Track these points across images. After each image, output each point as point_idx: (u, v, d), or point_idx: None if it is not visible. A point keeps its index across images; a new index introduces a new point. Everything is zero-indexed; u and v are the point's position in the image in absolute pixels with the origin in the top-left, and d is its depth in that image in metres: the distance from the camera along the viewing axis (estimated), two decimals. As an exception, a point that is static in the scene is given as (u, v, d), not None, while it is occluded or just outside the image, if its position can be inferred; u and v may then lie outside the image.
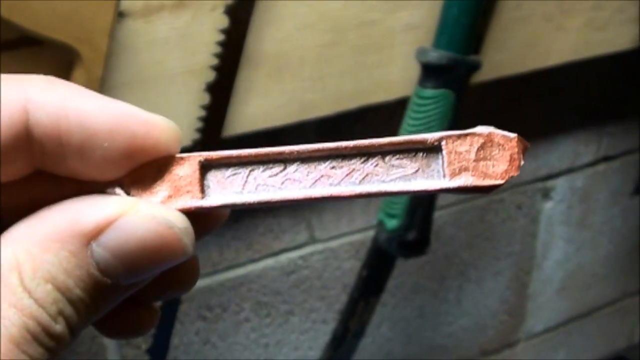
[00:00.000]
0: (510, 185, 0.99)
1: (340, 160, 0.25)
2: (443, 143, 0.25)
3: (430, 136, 0.25)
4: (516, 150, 0.25)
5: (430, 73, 0.65)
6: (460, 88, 0.66)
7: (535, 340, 1.18)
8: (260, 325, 0.89)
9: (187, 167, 0.24)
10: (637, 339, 1.32)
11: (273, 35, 0.65)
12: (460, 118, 0.69)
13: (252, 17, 0.63)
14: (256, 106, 0.67)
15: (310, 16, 0.66)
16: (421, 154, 0.25)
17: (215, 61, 0.63)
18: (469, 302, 1.06)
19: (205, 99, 0.64)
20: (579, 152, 1.03)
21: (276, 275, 0.87)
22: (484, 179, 0.25)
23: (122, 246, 0.22)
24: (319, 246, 0.88)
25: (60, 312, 0.21)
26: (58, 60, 0.58)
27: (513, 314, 1.12)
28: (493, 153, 0.25)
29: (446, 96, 0.65)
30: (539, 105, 0.95)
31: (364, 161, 0.25)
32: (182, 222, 0.23)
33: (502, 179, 0.25)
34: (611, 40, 0.85)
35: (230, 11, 0.61)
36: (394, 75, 0.72)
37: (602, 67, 0.92)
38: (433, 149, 0.25)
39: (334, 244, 0.88)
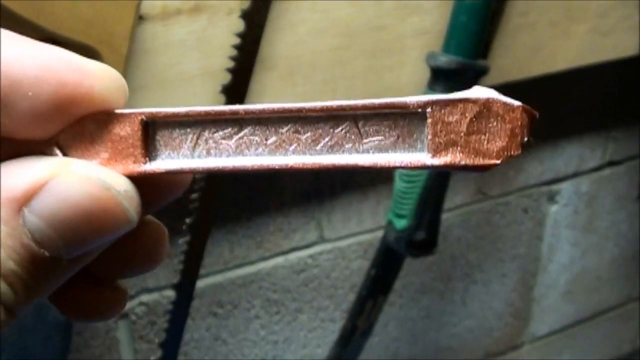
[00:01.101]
0: (516, 188, 1.01)
1: (305, 123, 0.21)
2: (428, 110, 0.20)
3: (414, 100, 0.21)
4: (519, 123, 0.20)
5: (439, 77, 0.67)
6: (468, 92, 0.68)
7: (539, 343, 1.19)
8: (269, 322, 0.91)
9: (128, 126, 0.22)
10: (642, 343, 1.33)
11: (287, 39, 0.67)
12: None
13: (267, 21, 0.65)
14: (269, 108, 0.69)
15: (323, 21, 0.68)
16: (402, 121, 0.21)
17: (230, 64, 0.65)
18: (474, 303, 1.07)
19: (221, 100, 0.66)
20: (585, 157, 1.05)
21: (286, 274, 0.88)
22: (475, 157, 0.20)
23: (55, 212, 0.19)
24: (328, 246, 0.89)
25: None
26: (80, 61, 0.60)
27: (518, 316, 1.14)
28: (490, 125, 0.20)
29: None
30: (545, 110, 0.95)
31: (333, 126, 0.21)
32: (121, 184, 0.21)
33: (498, 158, 0.20)
34: (616, 46, 0.87)
35: (245, 15, 0.63)
36: (404, 79, 0.74)
37: (607, 72, 0.94)
38: (417, 116, 0.21)
39: (343, 243, 0.90)
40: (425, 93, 0.68)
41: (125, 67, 0.60)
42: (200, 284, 0.82)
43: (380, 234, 0.78)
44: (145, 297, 0.81)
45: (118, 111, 0.21)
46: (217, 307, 0.86)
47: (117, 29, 0.58)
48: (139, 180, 0.21)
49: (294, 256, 0.88)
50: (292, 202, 0.84)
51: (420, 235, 0.71)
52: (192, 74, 0.65)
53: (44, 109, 0.20)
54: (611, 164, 1.08)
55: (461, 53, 0.66)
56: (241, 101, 0.67)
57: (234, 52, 0.65)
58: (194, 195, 0.69)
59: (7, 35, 0.20)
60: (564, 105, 0.98)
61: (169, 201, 0.24)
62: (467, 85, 0.68)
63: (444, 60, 0.66)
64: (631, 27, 0.87)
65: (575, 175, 1.05)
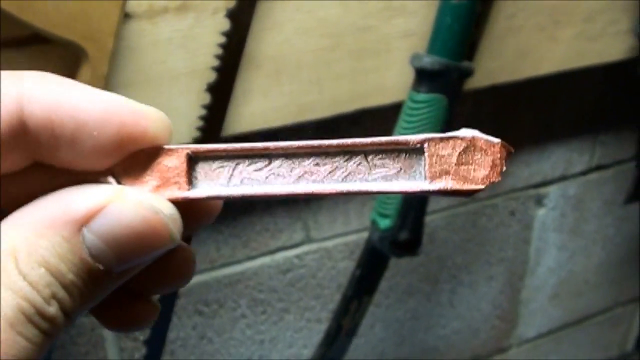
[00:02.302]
0: (504, 191, 1.01)
1: (324, 157, 0.25)
2: (426, 145, 0.25)
3: (414, 138, 0.25)
4: (499, 156, 0.25)
5: (423, 78, 0.67)
6: (453, 93, 0.69)
7: (527, 346, 1.19)
8: (255, 322, 0.91)
9: (175, 159, 0.25)
10: (629, 347, 1.33)
11: (273, 38, 0.67)
12: (453, 123, 0.71)
13: (253, 20, 0.65)
14: (255, 107, 0.69)
15: (309, 21, 0.68)
16: (404, 155, 0.25)
17: (216, 62, 0.65)
18: (461, 305, 1.07)
19: (206, 99, 0.66)
20: (572, 161, 1.05)
21: (272, 273, 0.89)
22: (463, 184, 0.25)
23: (111, 232, 0.23)
24: (314, 246, 0.90)
25: (54, 295, 0.22)
26: (65, 57, 0.60)
27: (505, 319, 1.14)
28: (475, 158, 0.25)
29: (439, 100, 0.68)
30: (533, 113, 0.97)
31: (347, 159, 0.25)
32: (168, 209, 0.24)
33: (483, 184, 0.25)
34: (603, 51, 0.87)
35: (231, 14, 0.64)
36: (390, 80, 0.74)
37: (596, 77, 0.95)
38: (416, 151, 0.25)
39: (329, 244, 0.90)
40: (410, 94, 0.69)
41: (111, 64, 0.60)
42: (186, 282, 0.82)
43: (366, 234, 0.78)
44: (130, 295, 0.81)
45: (167, 146, 0.25)
46: (203, 306, 0.86)
47: (102, 26, 0.58)
48: (181, 206, 0.25)
49: (280, 256, 0.88)
50: (278, 202, 0.85)
51: (404, 235, 0.72)
52: (178, 71, 0.65)
53: (106, 147, 0.24)
54: (599, 168, 1.08)
55: (446, 54, 0.67)
56: (227, 100, 0.67)
57: (220, 51, 0.65)
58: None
59: (75, 84, 0.24)
60: (552, 109, 0.98)
61: (202, 227, 0.28)
62: (452, 87, 0.68)
63: (428, 61, 0.67)
64: (618, 32, 0.87)
65: (562, 178, 1.06)
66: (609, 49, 0.88)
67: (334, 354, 0.86)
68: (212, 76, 0.66)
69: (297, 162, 0.25)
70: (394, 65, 0.73)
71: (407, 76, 0.70)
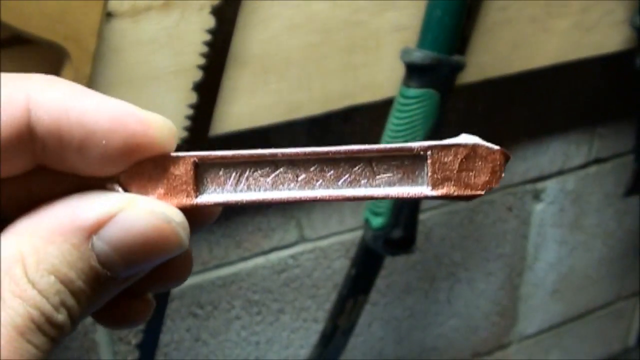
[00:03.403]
0: (500, 187, 1.00)
1: (329, 164, 0.26)
2: (429, 153, 0.25)
3: (417, 145, 0.26)
4: (498, 162, 0.25)
5: (414, 73, 0.66)
6: (445, 88, 0.68)
7: (527, 342, 1.18)
8: (251, 323, 0.90)
9: (182, 166, 0.26)
10: (631, 342, 1.32)
11: (259, 35, 0.66)
12: (446, 118, 0.70)
13: (239, 17, 0.64)
14: (243, 105, 0.68)
15: (296, 17, 0.67)
16: (407, 162, 0.26)
17: (202, 61, 0.64)
18: (460, 303, 1.06)
19: (193, 98, 0.65)
20: (570, 154, 1.04)
21: (267, 274, 0.88)
22: (464, 189, 0.26)
23: (122, 239, 0.23)
24: (309, 245, 0.89)
25: (63, 303, 0.22)
26: (48, 58, 0.59)
27: (505, 315, 1.13)
28: (476, 164, 0.25)
29: (430, 96, 0.66)
30: (529, 107, 0.96)
31: (352, 165, 0.26)
32: (178, 216, 0.24)
33: (483, 189, 0.26)
34: (600, 42, 0.86)
35: (216, 11, 0.63)
36: (381, 76, 0.73)
37: (593, 68, 0.93)
38: (419, 158, 0.26)
39: (324, 243, 0.89)
40: (401, 89, 0.67)
41: (94, 64, 0.59)
42: (179, 284, 0.81)
43: (361, 233, 0.77)
44: (122, 298, 0.80)
45: (174, 154, 0.25)
46: (197, 308, 0.85)
47: (83, 26, 0.57)
48: (186, 212, 0.25)
49: (274, 256, 0.87)
50: (271, 202, 0.83)
51: (397, 233, 0.70)
52: (163, 70, 0.64)
53: (114, 154, 0.24)
54: (597, 161, 1.07)
55: (436, 48, 0.66)
56: (213, 98, 0.66)
57: (206, 49, 0.64)
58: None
59: (84, 90, 0.24)
60: (548, 102, 0.97)
61: (202, 229, 0.28)
62: (443, 82, 0.67)
63: (419, 55, 0.65)
64: (615, 22, 0.86)
65: (560, 172, 1.04)
66: (605, 40, 0.86)
67: (331, 354, 0.85)
68: (198, 75, 0.65)
69: (303, 168, 0.26)
70: (384, 61, 0.72)
71: (399, 72, 0.69)
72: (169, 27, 0.62)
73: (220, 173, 0.26)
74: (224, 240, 0.83)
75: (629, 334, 1.31)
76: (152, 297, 0.28)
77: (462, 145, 0.25)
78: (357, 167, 0.26)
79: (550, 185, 1.04)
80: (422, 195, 0.26)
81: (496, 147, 0.26)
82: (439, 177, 0.25)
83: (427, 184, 0.26)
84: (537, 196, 1.04)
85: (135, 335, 0.80)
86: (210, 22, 0.63)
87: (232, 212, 0.82)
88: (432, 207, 0.95)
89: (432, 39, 0.66)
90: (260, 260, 0.86)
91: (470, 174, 0.26)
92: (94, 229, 0.23)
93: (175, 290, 0.79)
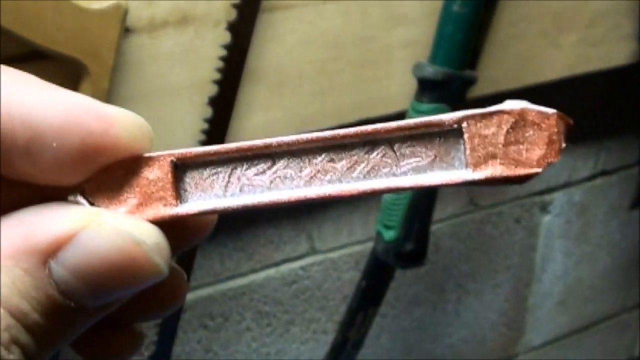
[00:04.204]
0: (509, 198, 1.01)
1: (339, 151, 0.21)
2: (464, 125, 0.21)
3: (449, 117, 0.21)
4: (555, 130, 0.21)
5: (426, 87, 0.67)
6: (456, 102, 0.68)
7: (534, 354, 1.18)
8: (261, 334, 0.90)
9: (157, 169, 0.21)
10: (637, 353, 1.32)
11: (274, 50, 0.67)
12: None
13: (254, 32, 0.65)
14: (257, 120, 0.69)
15: (310, 32, 0.68)
16: (438, 140, 0.21)
17: (217, 75, 0.65)
18: (468, 314, 1.07)
19: (208, 112, 0.66)
20: (577, 167, 1.04)
21: (277, 285, 0.88)
22: (516, 167, 0.20)
23: (83, 264, 0.19)
24: (319, 257, 0.89)
25: (14, 340, 0.18)
26: (66, 73, 0.60)
27: (512, 327, 1.13)
28: (527, 135, 0.20)
29: (442, 110, 0.67)
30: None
31: (369, 151, 0.21)
32: (152, 236, 0.20)
33: (540, 166, 0.21)
34: (607, 56, 0.87)
35: (232, 27, 0.63)
36: (392, 90, 0.74)
37: (599, 82, 0.94)
38: (452, 133, 0.21)
39: (334, 255, 0.90)
40: (412, 104, 0.68)
41: (112, 79, 0.60)
42: (191, 296, 0.81)
43: (371, 245, 0.78)
44: (134, 310, 0.80)
45: (146, 154, 0.21)
46: (208, 320, 0.86)
47: (102, 41, 0.58)
48: (169, 225, 0.21)
49: (285, 268, 0.88)
50: (282, 214, 0.84)
51: (409, 246, 0.71)
52: (179, 85, 0.64)
53: (69, 159, 0.20)
54: (603, 173, 1.08)
55: (448, 64, 0.66)
56: (229, 113, 0.67)
57: (221, 64, 0.65)
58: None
59: (29, 81, 0.20)
60: (555, 115, 0.98)
61: (196, 243, 0.24)
62: (455, 96, 0.68)
63: (431, 71, 0.66)
64: (622, 36, 0.87)
65: (567, 185, 1.05)
66: (612, 54, 0.87)
67: (341, 366, 0.85)
68: (213, 89, 0.65)
69: (307, 160, 0.21)
70: (396, 75, 0.73)
71: (410, 86, 0.70)
72: (186, 43, 0.63)
73: (205, 174, 0.21)
74: (235, 253, 0.83)
75: (635, 344, 1.31)
76: (140, 330, 0.24)
77: (506, 111, 0.20)
78: (375, 153, 0.21)
79: (558, 197, 1.05)
80: (460, 180, 0.21)
81: (551, 111, 0.21)
82: (480, 154, 0.20)
83: (467, 166, 0.21)
84: (544, 208, 1.05)
85: (147, 347, 0.81)
86: (225, 37, 0.64)
87: (244, 224, 0.82)
88: (440, 219, 0.96)
89: (443, 55, 0.67)
90: (271, 272, 0.87)
91: (521, 147, 0.20)
92: (51, 252, 0.19)
93: (186, 302, 0.79)
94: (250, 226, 0.83)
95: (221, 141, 0.67)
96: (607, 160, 1.06)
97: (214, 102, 0.65)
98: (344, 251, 0.90)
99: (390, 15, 0.70)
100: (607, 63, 0.87)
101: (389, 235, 0.71)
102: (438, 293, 1.02)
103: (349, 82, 0.72)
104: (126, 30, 0.61)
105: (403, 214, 0.70)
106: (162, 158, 0.21)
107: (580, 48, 0.84)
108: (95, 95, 0.60)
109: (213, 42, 0.64)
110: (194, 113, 0.66)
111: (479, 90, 0.75)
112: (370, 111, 0.74)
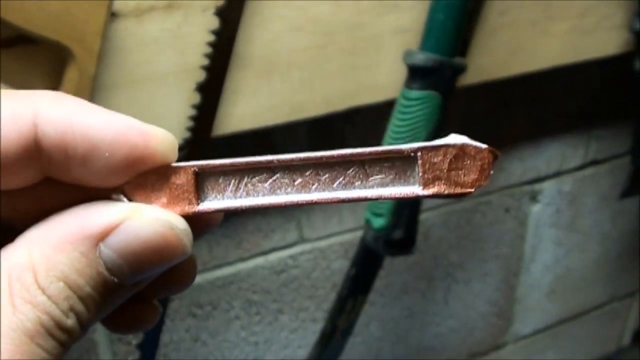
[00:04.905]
0: (498, 188, 1.01)
1: (324, 167, 0.27)
2: (419, 154, 0.27)
3: (407, 147, 0.27)
4: (487, 160, 0.26)
5: (416, 75, 0.67)
6: (446, 90, 0.68)
7: (523, 343, 1.19)
8: (250, 323, 0.90)
9: (183, 176, 0.27)
10: (626, 342, 1.33)
11: (262, 36, 0.66)
12: (447, 120, 0.70)
13: (242, 18, 0.64)
14: (245, 106, 0.68)
15: (299, 19, 0.67)
16: (398, 163, 0.27)
17: (205, 61, 0.64)
18: (457, 303, 1.07)
19: (196, 98, 0.65)
20: (567, 156, 1.04)
21: (266, 274, 0.88)
22: (455, 188, 0.27)
23: (128, 247, 0.24)
24: (308, 246, 0.89)
25: (72, 308, 0.23)
26: (52, 58, 0.59)
27: (501, 316, 1.13)
28: (465, 163, 0.26)
29: (432, 97, 0.67)
30: (527, 109, 0.96)
31: (345, 168, 0.27)
32: (182, 224, 0.26)
33: (472, 187, 0.27)
34: (598, 45, 0.87)
35: (220, 12, 0.63)
36: (382, 77, 0.73)
37: (590, 71, 0.94)
38: (410, 159, 0.27)
39: (323, 243, 0.90)
40: (402, 91, 0.68)
41: (98, 64, 0.59)
42: (179, 284, 0.81)
43: (360, 233, 0.77)
44: (122, 298, 0.80)
45: (174, 164, 0.27)
46: (197, 308, 0.85)
47: (88, 26, 0.57)
48: (189, 220, 0.26)
49: (273, 256, 0.87)
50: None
51: (398, 234, 0.71)
52: (166, 71, 0.64)
53: (117, 166, 0.25)
54: (594, 162, 1.08)
55: (438, 51, 0.66)
56: (217, 99, 0.66)
57: (209, 50, 0.64)
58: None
59: (88, 105, 0.25)
60: (546, 104, 0.98)
61: (207, 234, 0.29)
62: (445, 84, 0.67)
63: (421, 58, 0.66)
64: (613, 26, 0.86)
65: (557, 174, 1.05)
66: (603, 43, 0.87)
67: (330, 354, 0.85)
68: (201, 75, 0.65)
69: (298, 173, 0.27)
70: (386, 63, 0.73)
71: (400, 73, 0.69)
72: (173, 28, 0.62)
73: (220, 180, 0.27)
74: (223, 241, 0.83)
75: (624, 334, 1.32)
76: (158, 303, 0.29)
77: (450, 145, 0.26)
78: (350, 170, 0.27)
79: (547, 187, 1.05)
80: (413, 194, 0.27)
81: (484, 146, 0.26)
82: (429, 176, 0.26)
83: (419, 184, 0.27)
84: (534, 197, 1.05)
85: (136, 336, 0.81)
86: (213, 23, 0.63)
87: (232, 213, 0.82)
88: (429, 207, 0.96)
89: (434, 42, 0.66)
90: (259, 261, 0.87)
91: (460, 172, 0.26)
92: (101, 237, 0.24)
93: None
94: (238, 213, 0.83)
95: (209, 127, 0.67)
96: (597, 149, 1.06)
97: (202, 88, 0.65)
98: (334, 240, 0.90)
99: (381, 2, 0.70)
100: (598, 52, 0.87)
101: (379, 223, 0.71)
102: (427, 282, 1.02)
103: (338, 69, 0.71)
104: (113, 15, 0.60)
105: (392, 202, 0.70)
106: (187, 168, 0.27)
107: (571, 37, 0.84)
108: (82, 80, 0.59)
109: (201, 28, 0.63)
110: (182, 99, 0.65)
111: (468, 78, 0.75)
112: (360, 99, 0.74)
